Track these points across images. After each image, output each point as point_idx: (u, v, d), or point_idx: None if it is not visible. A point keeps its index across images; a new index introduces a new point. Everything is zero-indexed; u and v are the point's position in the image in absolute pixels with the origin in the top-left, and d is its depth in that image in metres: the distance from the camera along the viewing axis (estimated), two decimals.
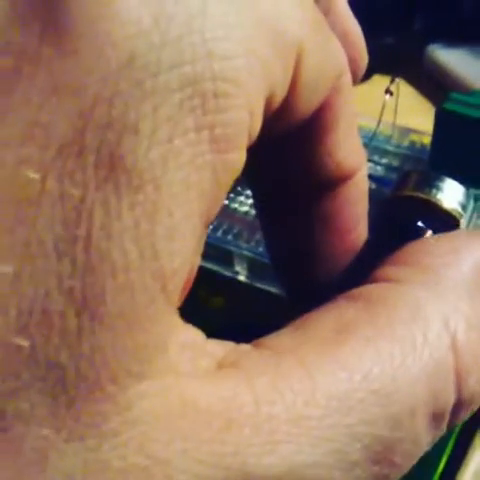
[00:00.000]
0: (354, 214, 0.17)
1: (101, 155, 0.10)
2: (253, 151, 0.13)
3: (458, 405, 0.14)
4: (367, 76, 0.44)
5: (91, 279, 0.10)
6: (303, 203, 0.17)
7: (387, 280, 0.15)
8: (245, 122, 0.12)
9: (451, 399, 0.14)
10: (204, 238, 0.13)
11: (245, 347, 0.13)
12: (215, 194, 0.12)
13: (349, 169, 0.16)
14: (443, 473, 0.21)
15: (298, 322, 0.14)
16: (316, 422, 0.12)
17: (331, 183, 0.17)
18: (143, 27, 0.11)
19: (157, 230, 0.11)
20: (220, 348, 0.13)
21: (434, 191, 0.21)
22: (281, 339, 0.14)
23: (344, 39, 0.18)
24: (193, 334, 0.13)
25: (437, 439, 0.14)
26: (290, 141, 0.16)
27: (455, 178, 0.21)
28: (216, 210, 0.12)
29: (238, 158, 0.12)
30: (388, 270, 0.15)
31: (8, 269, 0.10)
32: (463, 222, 0.20)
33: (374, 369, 0.13)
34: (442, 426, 0.14)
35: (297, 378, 0.12)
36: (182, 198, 0.11)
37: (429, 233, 0.19)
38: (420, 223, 0.20)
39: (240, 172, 0.12)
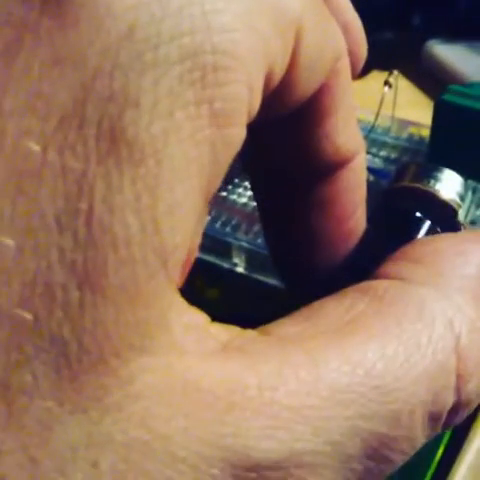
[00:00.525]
0: (352, 200, 0.17)
1: (102, 128, 0.10)
2: (251, 135, 0.13)
3: (456, 407, 0.14)
4: (366, 71, 0.44)
5: (93, 252, 0.10)
6: (301, 188, 0.17)
7: (395, 277, 0.15)
8: (244, 97, 0.12)
9: (450, 401, 0.14)
10: (205, 215, 0.13)
11: (251, 333, 0.13)
12: (214, 170, 0.12)
13: (348, 153, 0.16)
14: (439, 465, 0.21)
15: (305, 310, 0.14)
16: (317, 412, 0.12)
17: (330, 168, 0.17)
18: None
19: (158, 205, 0.11)
20: (225, 332, 0.13)
21: (432, 182, 0.21)
22: (288, 327, 0.14)
23: (344, 31, 0.18)
24: (197, 316, 0.13)
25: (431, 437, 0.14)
26: (289, 125, 0.15)
27: (454, 169, 0.21)
28: (215, 186, 0.12)
29: (237, 134, 0.12)
30: (396, 267, 0.15)
31: (10, 242, 0.10)
32: (461, 212, 0.21)
33: (378, 365, 0.13)
34: (438, 427, 0.14)
35: (302, 367, 0.12)
36: (183, 173, 0.11)
37: (428, 223, 0.19)
38: (419, 214, 0.20)
39: (239, 148, 0.12)
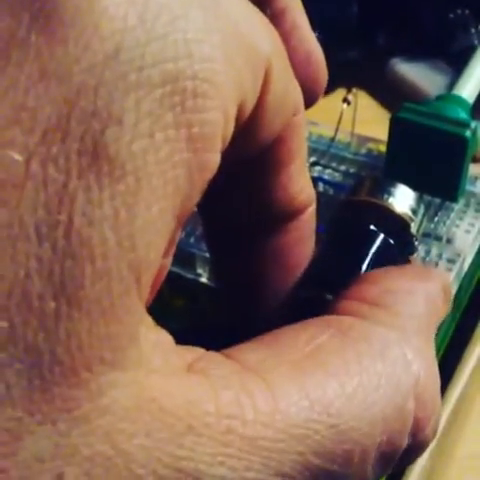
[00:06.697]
0: (302, 251, 0.18)
1: (85, 143, 0.11)
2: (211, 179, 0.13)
3: (409, 449, 0.14)
4: (331, 89, 0.45)
5: (70, 264, 0.10)
6: (253, 236, 0.17)
7: (358, 316, 0.15)
8: (220, 124, 0.12)
9: (404, 444, 0.14)
10: (177, 236, 0.13)
11: (215, 356, 0.13)
12: (189, 192, 0.12)
13: (301, 204, 0.17)
14: None
15: (268, 337, 0.14)
16: (270, 444, 0.12)
17: (282, 218, 0.17)
18: (129, 23, 0.11)
19: (136, 221, 0.11)
20: (190, 353, 0.13)
21: (386, 196, 0.21)
22: (251, 353, 0.14)
23: (307, 59, 0.19)
24: (164, 335, 0.13)
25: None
26: (246, 173, 0.16)
27: (409, 184, 0.22)
28: (189, 209, 0.13)
29: (212, 159, 0.12)
30: (357, 306, 0.16)
31: None
32: (413, 226, 0.21)
33: (336, 403, 0.13)
34: (389, 467, 0.14)
35: (260, 398, 0.12)
36: (160, 192, 0.11)
37: (381, 236, 0.20)
38: (372, 226, 0.20)
39: (214, 173, 0.13)
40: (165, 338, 0.13)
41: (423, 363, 0.15)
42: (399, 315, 0.15)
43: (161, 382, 0.12)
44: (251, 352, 0.14)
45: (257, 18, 0.14)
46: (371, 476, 0.14)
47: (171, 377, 0.12)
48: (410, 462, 0.15)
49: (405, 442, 0.14)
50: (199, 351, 0.13)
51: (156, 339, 0.12)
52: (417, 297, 0.16)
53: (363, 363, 0.14)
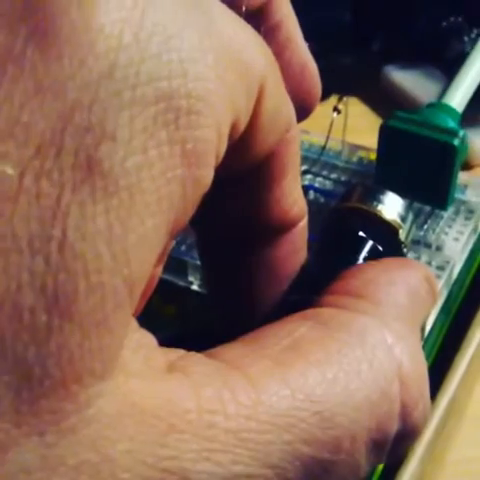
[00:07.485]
0: (294, 263, 0.18)
1: (79, 158, 0.11)
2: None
3: (401, 435, 0.14)
4: (325, 96, 0.45)
5: (64, 277, 0.10)
6: (245, 249, 0.17)
7: (336, 307, 0.15)
8: (214, 141, 0.12)
9: (394, 428, 0.14)
10: (169, 249, 0.13)
11: (196, 355, 0.13)
12: (183, 208, 0.12)
13: (294, 217, 0.17)
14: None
15: (251, 336, 0.15)
16: (255, 435, 0.12)
17: (276, 230, 0.17)
18: (124, 41, 0.11)
19: (129, 236, 0.11)
20: (171, 354, 0.13)
21: (375, 203, 0.21)
22: (232, 352, 0.14)
23: (301, 72, 0.19)
24: (146, 337, 0.13)
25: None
26: (240, 187, 0.16)
27: (399, 192, 0.22)
28: (183, 223, 0.13)
29: (206, 175, 0.13)
30: (341, 299, 0.16)
31: None
32: (402, 232, 0.21)
33: (317, 390, 0.13)
34: (382, 454, 0.14)
35: (242, 391, 0.12)
36: (154, 208, 0.11)
37: (370, 243, 0.20)
38: (361, 233, 0.21)
39: (207, 189, 0.13)
40: (147, 339, 0.13)
41: (405, 348, 0.15)
42: (380, 304, 0.16)
43: (141, 385, 0.12)
44: (231, 350, 0.14)
45: (250, 36, 0.14)
46: (366, 464, 0.14)
47: (151, 379, 0.12)
48: (403, 449, 0.15)
49: (394, 427, 0.14)
50: (180, 351, 0.13)
51: (138, 341, 0.12)
52: (398, 287, 0.16)
53: (343, 352, 0.14)
